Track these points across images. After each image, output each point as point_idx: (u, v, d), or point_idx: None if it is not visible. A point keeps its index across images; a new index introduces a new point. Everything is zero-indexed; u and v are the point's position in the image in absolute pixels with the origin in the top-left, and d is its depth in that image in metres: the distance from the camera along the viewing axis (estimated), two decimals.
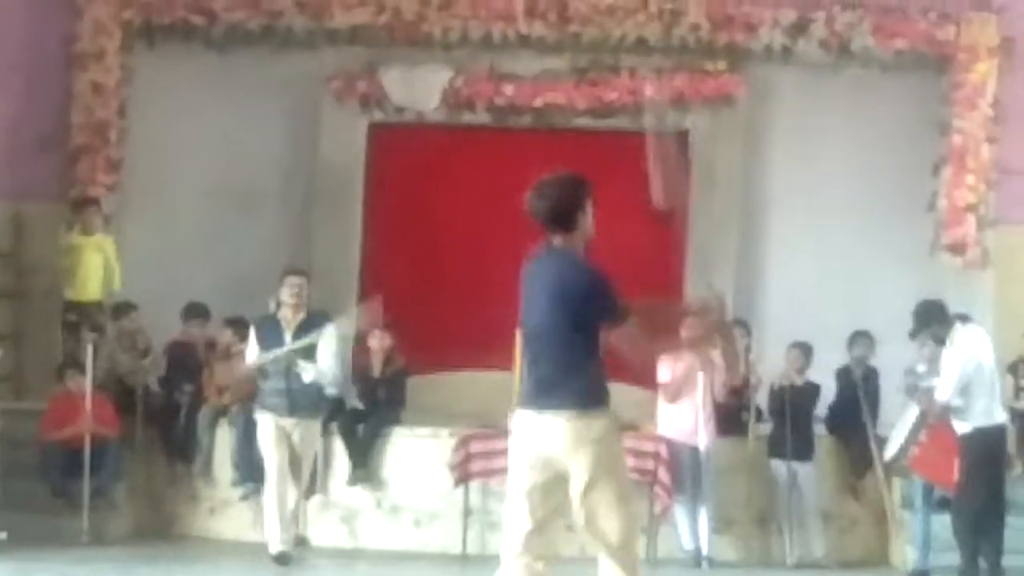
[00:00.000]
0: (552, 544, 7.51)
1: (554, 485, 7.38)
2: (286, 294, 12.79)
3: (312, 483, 13.49)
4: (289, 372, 12.70)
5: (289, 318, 12.75)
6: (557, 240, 7.52)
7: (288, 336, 12.68)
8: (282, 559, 12.69)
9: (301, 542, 13.69)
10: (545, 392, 7.50)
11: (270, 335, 12.72)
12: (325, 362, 12.65)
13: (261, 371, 12.91)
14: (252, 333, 13.03)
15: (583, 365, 7.54)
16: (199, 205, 16.58)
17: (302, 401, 12.69)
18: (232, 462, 14.60)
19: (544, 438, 7.44)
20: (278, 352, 12.71)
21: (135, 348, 15.31)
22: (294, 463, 12.89)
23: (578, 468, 7.33)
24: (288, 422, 12.77)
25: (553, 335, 7.52)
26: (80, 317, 15.42)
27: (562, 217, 7.52)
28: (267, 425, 12.88)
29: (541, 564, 7.38)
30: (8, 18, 16.38)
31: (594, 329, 7.49)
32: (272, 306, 13.06)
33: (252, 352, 13.02)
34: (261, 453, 13.12)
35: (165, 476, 14.93)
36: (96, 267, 15.52)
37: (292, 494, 12.91)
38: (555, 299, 7.45)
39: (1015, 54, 16.30)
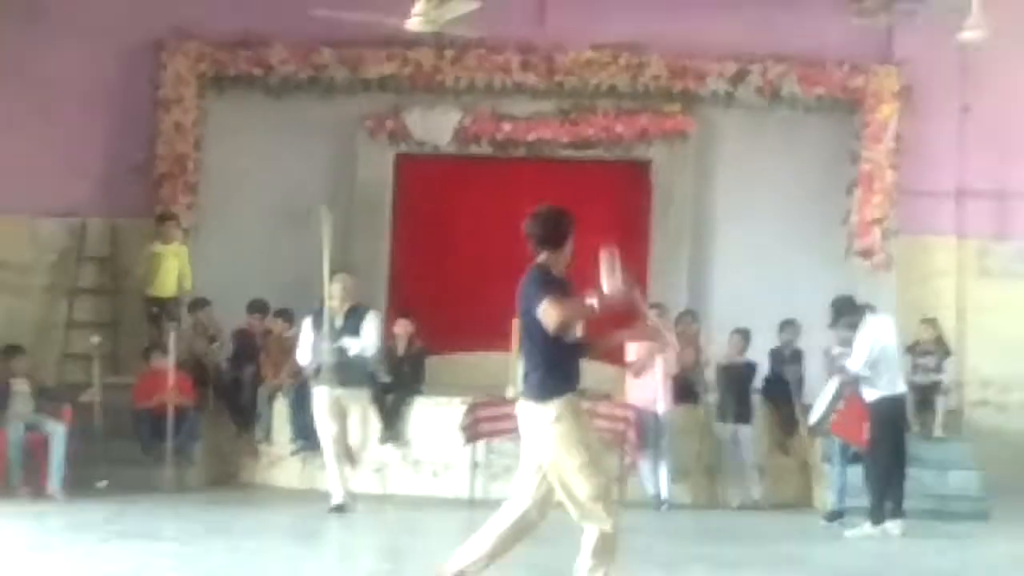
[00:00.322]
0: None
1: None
2: (335, 289, 12.66)
3: (362, 447, 13.11)
4: (340, 350, 12.52)
5: (336, 308, 12.59)
6: (541, 257, 7.77)
7: (337, 322, 12.52)
8: (340, 509, 12.48)
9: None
10: (524, 382, 7.88)
11: (320, 322, 12.53)
12: (369, 339, 12.54)
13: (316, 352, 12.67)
14: (308, 320, 12.83)
15: (541, 361, 7.72)
16: (259, 220, 16.59)
17: (350, 374, 12.50)
18: (291, 425, 14.61)
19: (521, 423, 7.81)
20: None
21: (207, 335, 15.45)
22: (345, 428, 12.73)
23: (537, 448, 7.66)
24: (340, 392, 12.55)
25: (524, 337, 7.81)
26: (160, 310, 15.51)
27: (549, 241, 7.77)
28: (322, 397, 12.66)
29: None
30: (107, 72, 16.58)
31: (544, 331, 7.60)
32: (325, 299, 12.76)
33: (307, 335, 12.81)
34: (315, 421, 12.88)
35: (232, 437, 15.05)
36: (173, 270, 15.58)
37: (346, 456, 12.77)
38: (520, 307, 7.71)
39: (912, 99, 16.38)
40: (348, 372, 12.46)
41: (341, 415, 12.69)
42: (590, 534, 7.62)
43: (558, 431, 7.56)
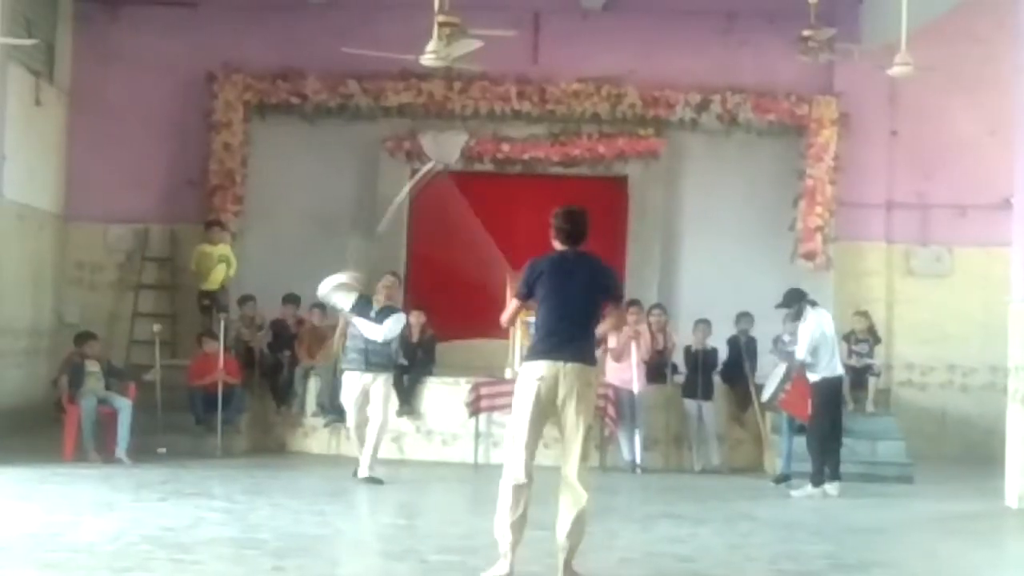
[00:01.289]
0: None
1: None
2: (380, 285, 12.52)
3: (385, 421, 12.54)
4: (366, 340, 12.17)
5: (380, 300, 12.36)
6: (574, 248, 7.75)
7: (372, 312, 12.19)
8: (370, 481, 12.05)
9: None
10: (569, 345, 7.57)
11: (362, 305, 12.20)
12: (387, 327, 12.15)
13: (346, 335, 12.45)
14: (354, 301, 12.25)
15: (590, 331, 7.74)
16: (295, 226, 16.55)
17: (374, 359, 12.18)
18: (317, 403, 14.67)
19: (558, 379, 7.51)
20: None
21: (253, 325, 15.41)
22: (370, 407, 12.31)
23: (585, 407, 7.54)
24: (366, 376, 12.21)
25: (581, 304, 7.64)
26: (211, 301, 15.49)
27: (583, 236, 7.79)
28: (351, 381, 12.32)
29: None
30: (168, 101, 16.66)
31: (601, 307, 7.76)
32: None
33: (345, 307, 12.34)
34: (343, 401, 12.59)
35: (273, 411, 14.99)
36: (220, 268, 15.61)
37: (370, 433, 12.26)
38: (591, 284, 7.67)
39: (849, 124, 16.42)
40: (373, 358, 12.19)
41: (365, 399, 12.28)
42: (578, 503, 7.47)
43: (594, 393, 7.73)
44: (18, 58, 15.14)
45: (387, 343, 12.34)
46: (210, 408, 14.02)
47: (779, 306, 13.18)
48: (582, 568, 7.61)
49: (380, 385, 12.27)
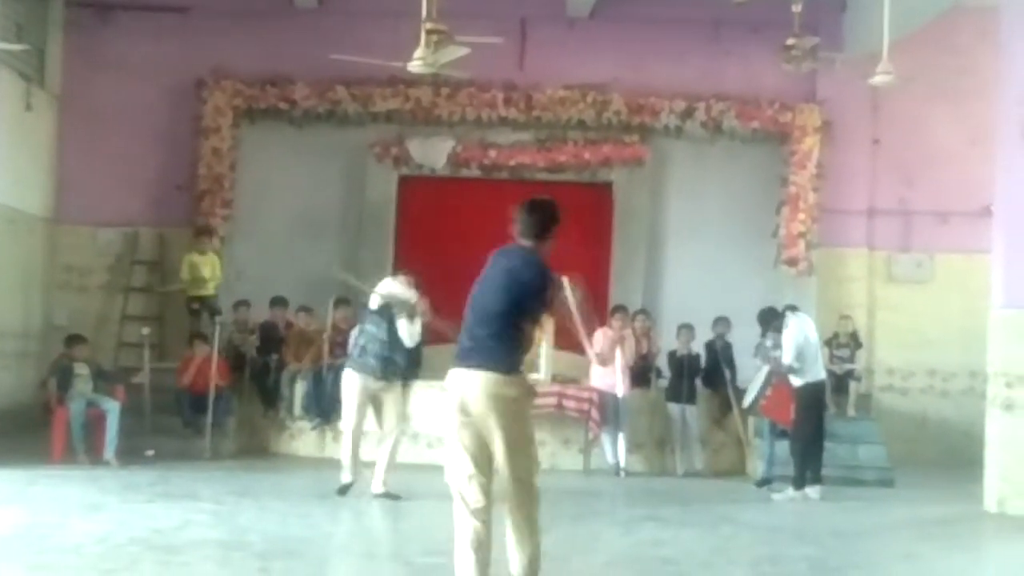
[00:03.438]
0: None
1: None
2: (402, 282, 11.72)
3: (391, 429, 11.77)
4: (392, 344, 11.41)
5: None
6: (529, 244, 6.78)
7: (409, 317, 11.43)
8: (387, 497, 11.34)
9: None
10: (476, 349, 6.64)
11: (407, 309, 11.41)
12: (418, 331, 11.61)
13: (366, 333, 11.47)
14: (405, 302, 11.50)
15: (511, 333, 6.65)
16: (283, 230, 16.58)
17: (392, 367, 11.48)
18: (302, 405, 14.66)
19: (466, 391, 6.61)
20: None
21: (245, 329, 15.41)
22: (376, 415, 11.59)
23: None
24: (377, 384, 11.38)
25: (497, 304, 6.65)
26: (201, 305, 15.46)
27: (541, 230, 6.80)
28: (357, 384, 11.40)
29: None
30: (157, 106, 16.64)
31: (529, 313, 6.70)
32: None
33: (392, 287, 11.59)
34: (344, 405, 11.63)
35: (260, 414, 14.96)
36: (208, 275, 15.57)
37: (386, 447, 11.52)
38: (508, 280, 6.68)
39: (831, 132, 16.49)
40: (389, 366, 11.50)
41: (369, 405, 11.52)
42: (522, 548, 6.59)
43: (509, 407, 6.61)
44: (9, 63, 15.14)
45: (408, 349, 11.83)
46: (198, 411, 14.00)
47: (762, 332, 13.28)
48: (565, 572, 7.61)
49: (396, 395, 11.73)
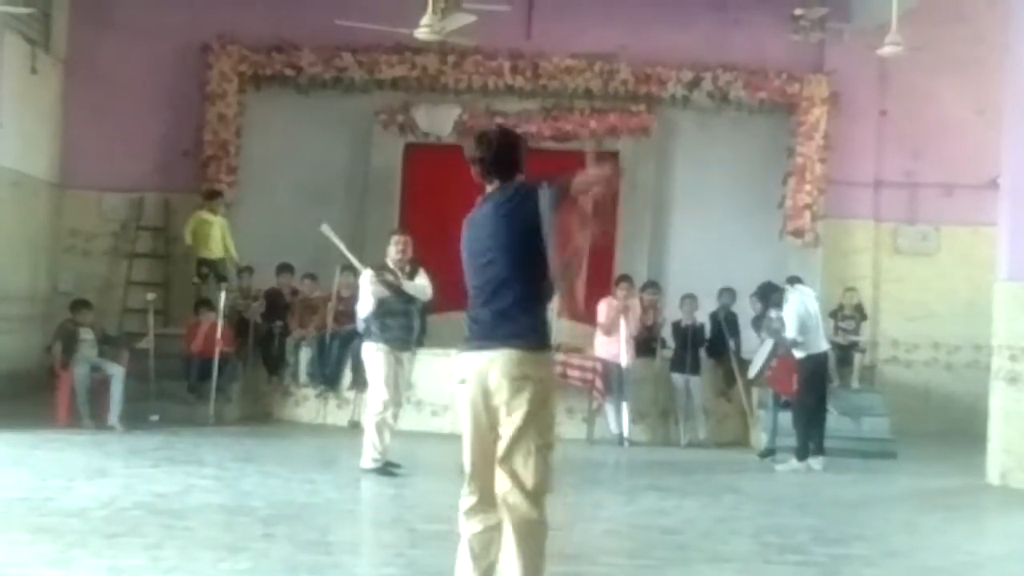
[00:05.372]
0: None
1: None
2: (393, 247, 11.10)
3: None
4: (410, 314, 11.09)
5: (402, 261, 11.05)
6: (494, 187, 5.76)
7: (400, 276, 10.98)
8: (390, 470, 10.81)
9: (355, 425, 13.38)
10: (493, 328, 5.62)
11: (386, 277, 10.92)
12: (425, 284, 11.12)
13: (383, 306, 10.90)
14: (368, 274, 10.98)
15: (533, 295, 5.63)
16: (289, 197, 16.49)
17: (411, 336, 11.13)
18: (307, 372, 14.70)
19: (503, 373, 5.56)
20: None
21: (250, 296, 15.39)
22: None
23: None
24: (403, 354, 11.02)
25: (510, 264, 5.62)
26: (210, 269, 15.52)
27: (503, 164, 5.76)
28: (386, 356, 10.85)
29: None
30: (163, 71, 16.60)
31: (540, 252, 5.55)
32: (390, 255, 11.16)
33: (366, 287, 10.96)
34: (380, 383, 10.83)
35: (265, 380, 15.01)
36: (218, 237, 15.58)
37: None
38: (508, 224, 5.64)
39: (839, 103, 16.42)
40: (409, 335, 11.15)
41: (397, 377, 11.00)
42: (521, 532, 5.58)
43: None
44: (14, 27, 15.09)
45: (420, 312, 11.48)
46: (203, 376, 14.02)
47: (762, 308, 13.37)
48: (567, 540, 7.62)
49: (408, 363, 11.38)
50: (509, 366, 5.54)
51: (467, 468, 5.70)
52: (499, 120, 15.91)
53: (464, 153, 5.84)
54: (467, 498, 5.66)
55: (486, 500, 5.60)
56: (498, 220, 5.66)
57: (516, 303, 5.59)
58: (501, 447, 5.54)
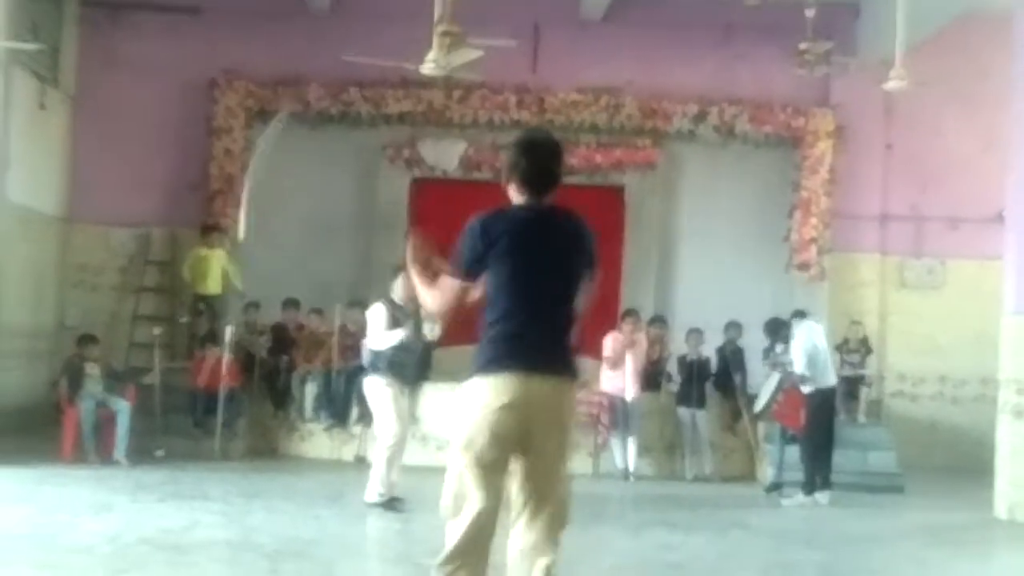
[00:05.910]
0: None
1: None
2: (399, 286, 10.62)
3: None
4: (419, 350, 11.11)
5: (406, 300, 10.55)
6: (545, 199, 5.33)
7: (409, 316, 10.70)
8: (396, 505, 10.66)
9: (361, 460, 13.58)
10: (554, 353, 5.20)
11: (398, 313, 10.74)
12: (436, 326, 10.85)
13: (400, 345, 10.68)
14: (380, 308, 10.83)
15: (570, 326, 5.30)
16: (296, 232, 16.55)
17: (421, 373, 11.18)
18: (313, 407, 14.68)
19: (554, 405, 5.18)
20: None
21: (256, 331, 15.42)
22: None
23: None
24: (408, 388, 10.96)
25: (566, 291, 5.27)
26: (207, 305, 15.53)
27: (554, 181, 5.34)
28: (394, 391, 10.68)
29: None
30: (170, 106, 16.62)
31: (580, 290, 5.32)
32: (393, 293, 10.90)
33: (379, 322, 10.74)
34: (382, 417, 10.69)
35: (270, 415, 14.96)
36: (217, 272, 15.59)
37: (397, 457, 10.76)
38: (571, 255, 5.28)
39: (844, 137, 16.47)
40: (419, 371, 11.12)
41: (406, 413, 10.97)
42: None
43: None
44: (23, 62, 15.17)
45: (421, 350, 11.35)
46: (209, 411, 14.01)
47: (770, 343, 13.44)
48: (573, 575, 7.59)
49: (412, 397, 11.31)
50: (571, 399, 5.25)
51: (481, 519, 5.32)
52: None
53: (513, 159, 5.38)
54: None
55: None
56: (568, 238, 5.32)
57: (566, 328, 5.25)
58: (537, 482, 5.18)
